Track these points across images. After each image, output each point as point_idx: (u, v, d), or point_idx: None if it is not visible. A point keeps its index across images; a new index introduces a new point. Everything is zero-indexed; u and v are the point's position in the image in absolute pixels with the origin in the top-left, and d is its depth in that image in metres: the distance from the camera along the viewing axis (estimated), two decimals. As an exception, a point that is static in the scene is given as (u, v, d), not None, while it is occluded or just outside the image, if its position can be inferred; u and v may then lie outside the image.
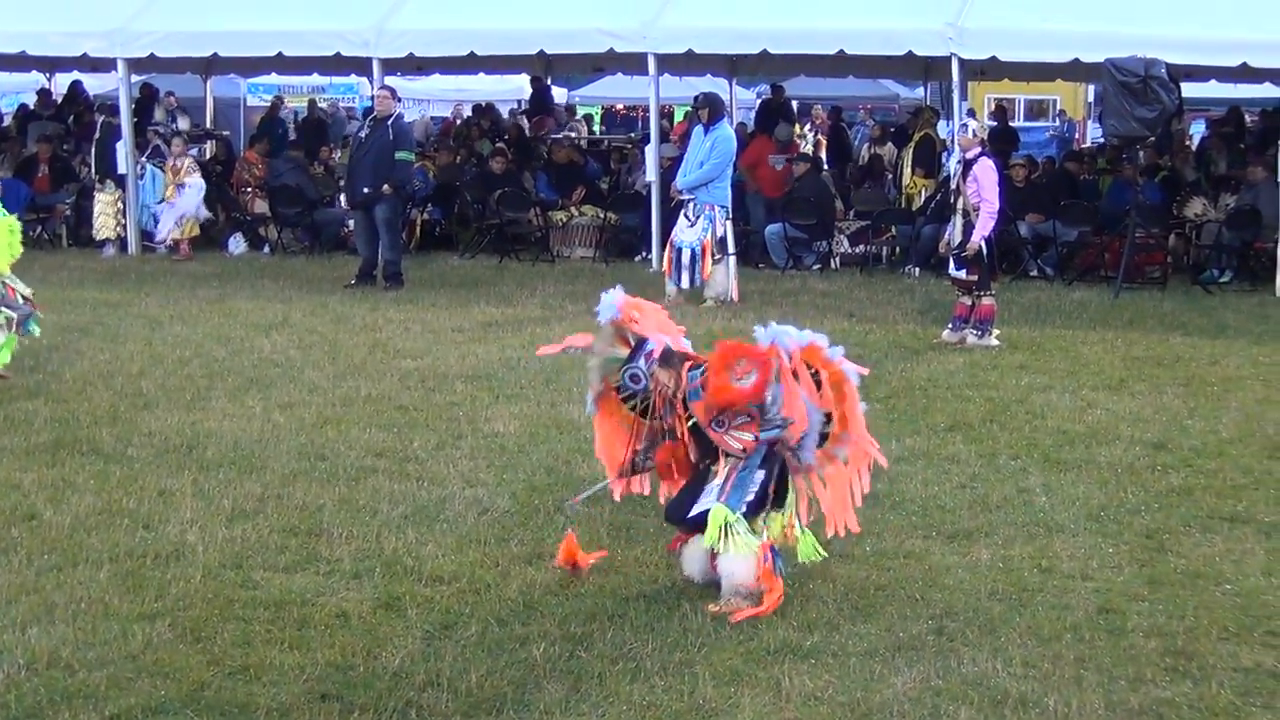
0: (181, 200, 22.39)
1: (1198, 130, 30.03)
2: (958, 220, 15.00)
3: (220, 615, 7.31)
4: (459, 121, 31.71)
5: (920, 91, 32.59)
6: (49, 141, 25.14)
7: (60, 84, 30.29)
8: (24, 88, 32.09)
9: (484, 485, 9.66)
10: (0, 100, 28.41)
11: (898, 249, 21.78)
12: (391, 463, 10.21)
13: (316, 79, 36.92)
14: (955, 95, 20.09)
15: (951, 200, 15.46)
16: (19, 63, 25.40)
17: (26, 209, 22.29)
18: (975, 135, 15.00)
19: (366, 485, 9.66)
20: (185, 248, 22.09)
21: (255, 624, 7.20)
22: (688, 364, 7.68)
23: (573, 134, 30.59)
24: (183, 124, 25.94)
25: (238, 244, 22.98)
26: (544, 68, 30.21)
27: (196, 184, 22.57)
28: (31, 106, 29.84)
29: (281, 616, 7.30)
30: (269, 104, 34.20)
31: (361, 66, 22.98)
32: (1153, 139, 19.48)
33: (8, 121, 29.52)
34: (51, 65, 28.72)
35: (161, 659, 6.79)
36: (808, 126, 32.04)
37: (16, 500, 9.25)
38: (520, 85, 32.97)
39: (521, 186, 23.20)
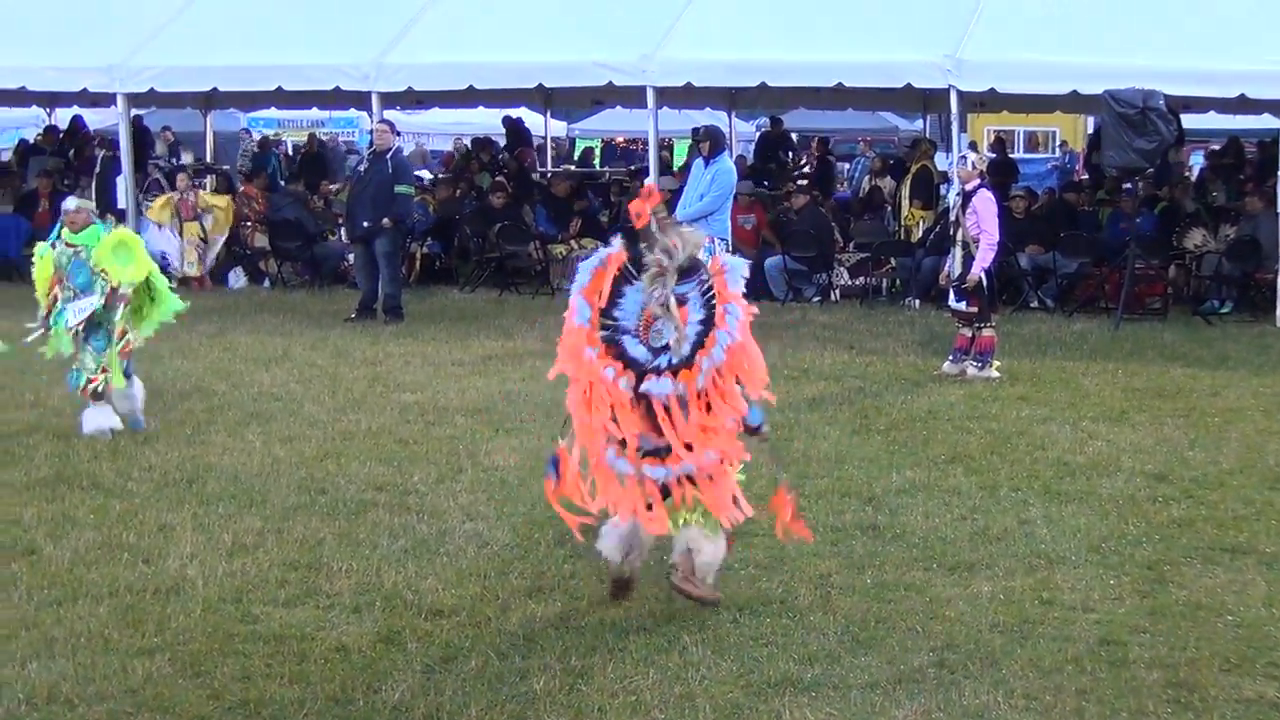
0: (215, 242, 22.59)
1: (1197, 161, 30.07)
2: (957, 252, 15.01)
3: (220, 650, 7.31)
4: (458, 155, 31.80)
5: (919, 123, 32.65)
6: (49, 176, 25.18)
7: (61, 119, 30.36)
8: (24, 123, 32.16)
9: (484, 519, 9.66)
10: (1, 135, 28.50)
11: (898, 281, 21.77)
12: (391, 496, 10.21)
13: (316, 113, 36.98)
14: (954, 127, 20.11)
15: (951, 232, 15.47)
16: (19, 98, 25.44)
17: (27, 244, 22.32)
18: (974, 167, 15.00)
19: (366, 519, 9.66)
20: (207, 281, 22.23)
21: (255, 658, 7.20)
22: None
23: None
24: (186, 159, 25.96)
25: (238, 278, 22.99)
26: (543, 101, 30.27)
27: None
28: (32, 141, 29.92)
29: (281, 651, 7.29)
30: (265, 138, 34.34)
31: (361, 101, 23.01)
32: (1151, 170, 19.48)
33: (8, 157, 29.58)
34: (52, 100, 28.76)
35: (161, 694, 6.80)
36: (804, 159, 32.10)
37: (16, 535, 9.26)
38: (519, 119, 32.97)
39: (521, 220, 23.21)
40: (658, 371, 7.55)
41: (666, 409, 7.51)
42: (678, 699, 6.74)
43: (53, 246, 12.05)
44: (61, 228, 12.08)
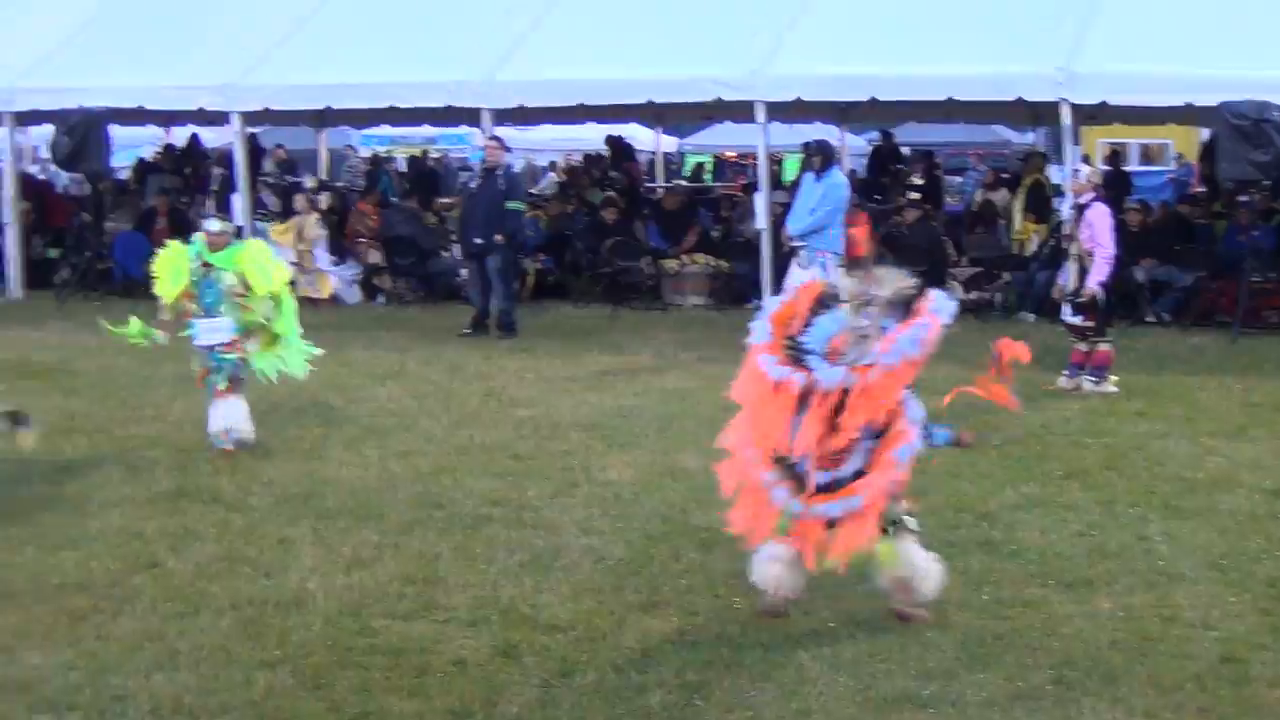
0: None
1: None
2: (1072, 266, 14.91)
3: (340, 663, 7.39)
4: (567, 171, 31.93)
5: (1031, 136, 32.43)
6: (167, 194, 25.53)
7: (178, 137, 30.74)
8: (142, 141, 32.57)
9: (599, 534, 9.69)
10: (119, 154, 28.86)
11: (1012, 295, 21.61)
12: (507, 511, 10.27)
13: (427, 130, 37.22)
14: (1066, 140, 19.95)
15: (1065, 246, 15.37)
16: (136, 117, 25.75)
17: (145, 261, 22.62)
18: (1088, 181, 14.91)
19: (482, 533, 9.72)
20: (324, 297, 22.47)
21: (374, 671, 7.27)
22: None
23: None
24: (309, 182, 26.23)
25: (353, 294, 23.18)
26: (654, 117, 30.31)
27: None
28: (150, 160, 30.32)
29: (400, 664, 7.36)
30: (377, 155, 34.68)
31: (472, 117, 23.13)
32: (1267, 182, 19.25)
33: (127, 175, 29.98)
34: (169, 119, 29.11)
35: (282, 706, 6.88)
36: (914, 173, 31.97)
37: (139, 548, 9.39)
38: (630, 134, 33.06)
39: (632, 235, 23.28)
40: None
41: (827, 396, 7.53)
42: (794, 715, 6.75)
43: (192, 258, 12.12)
44: (200, 241, 12.20)
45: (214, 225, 12.37)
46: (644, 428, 12.93)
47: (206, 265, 12.06)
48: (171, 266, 12.18)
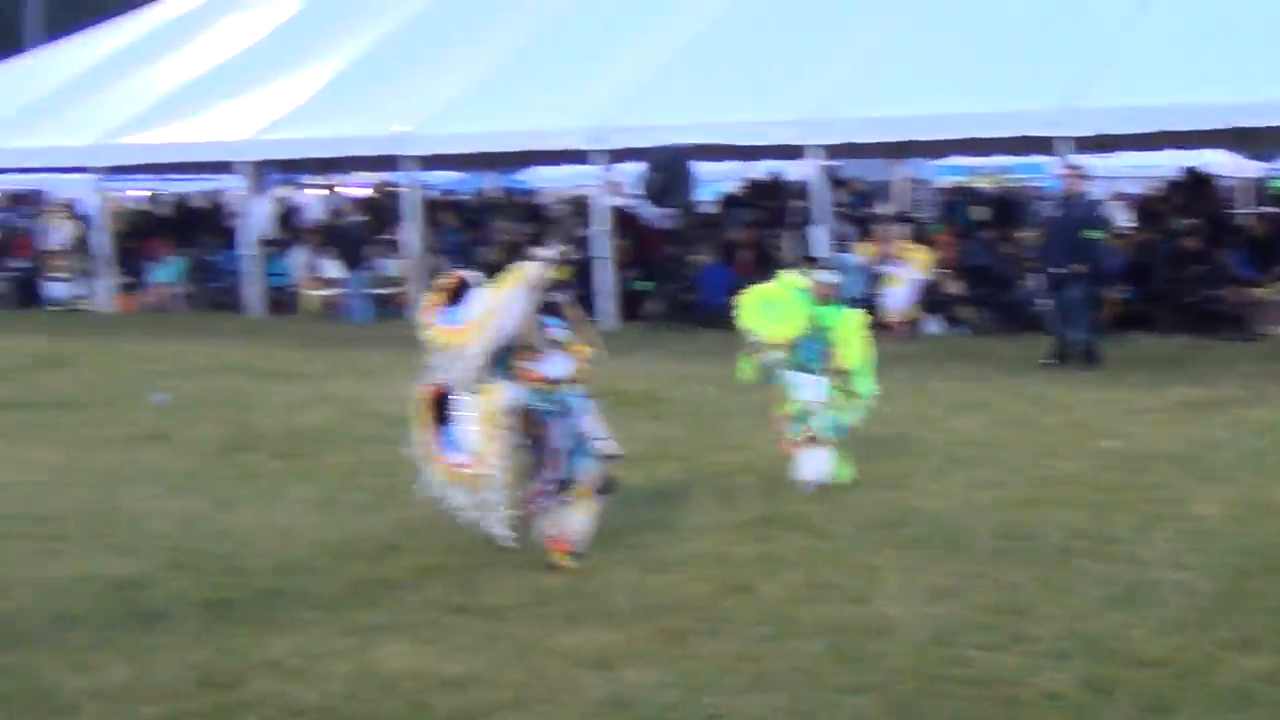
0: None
1: None
2: None
3: (928, 691, 7.44)
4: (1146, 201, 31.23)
5: None
6: (749, 228, 26.19)
7: (758, 170, 31.50)
8: (724, 176, 33.47)
9: (1188, 568, 9.47)
10: (704, 188, 29.75)
11: None
12: (1092, 543, 10.14)
13: (1002, 159, 36.99)
14: None
15: None
16: (718, 152, 26.53)
17: (728, 292, 23.30)
18: None
19: (1067, 565, 9.62)
20: (904, 327, 22.65)
21: (963, 701, 7.29)
22: None
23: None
24: (885, 210, 26.58)
25: (933, 324, 23.28)
26: (1238, 142, 29.33)
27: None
28: (733, 193, 31.17)
29: (989, 694, 7.35)
30: (953, 186, 34.66)
31: (1046, 146, 22.89)
32: None
33: (711, 209, 30.90)
34: (749, 153, 29.86)
35: (871, 730, 7.00)
36: None
37: (731, 572, 9.67)
38: (1212, 160, 32.07)
39: (1218, 263, 22.62)
40: None
41: None
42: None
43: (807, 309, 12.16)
44: (808, 290, 12.22)
45: (827, 276, 12.47)
46: (1233, 461, 12.58)
47: (814, 323, 12.09)
48: (781, 309, 12.16)
